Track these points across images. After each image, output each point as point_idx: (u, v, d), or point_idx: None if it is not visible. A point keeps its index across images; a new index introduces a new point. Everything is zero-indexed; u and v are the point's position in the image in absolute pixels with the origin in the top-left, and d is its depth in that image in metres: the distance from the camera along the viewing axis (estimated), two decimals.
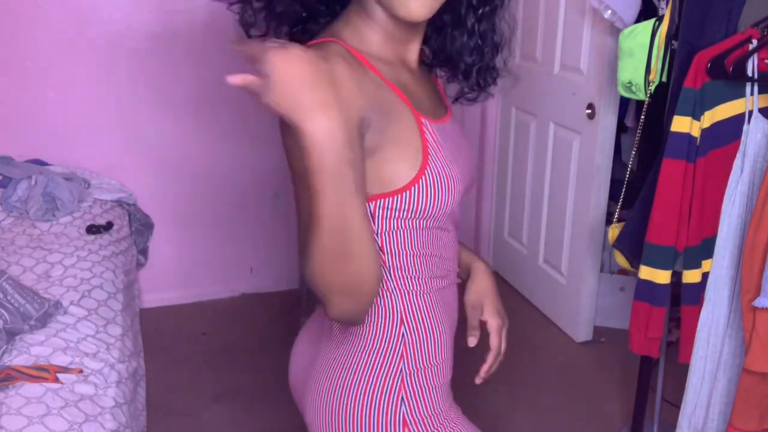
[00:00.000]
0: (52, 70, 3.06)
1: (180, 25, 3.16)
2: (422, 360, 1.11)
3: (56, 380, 1.81)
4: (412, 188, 1.02)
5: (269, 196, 3.49)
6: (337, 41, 1.01)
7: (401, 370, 1.10)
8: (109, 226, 2.76)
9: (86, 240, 2.62)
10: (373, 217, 1.03)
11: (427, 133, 1.04)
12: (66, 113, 3.12)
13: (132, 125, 3.22)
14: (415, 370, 1.11)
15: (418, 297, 1.11)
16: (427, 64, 1.20)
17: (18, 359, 1.89)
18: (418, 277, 1.11)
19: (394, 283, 1.09)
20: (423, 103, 1.08)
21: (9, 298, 2.00)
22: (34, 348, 1.93)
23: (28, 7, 2.97)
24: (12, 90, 3.05)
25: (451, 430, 1.14)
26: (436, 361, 1.13)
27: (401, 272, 1.09)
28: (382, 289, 1.08)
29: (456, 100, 1.22)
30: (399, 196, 1.02)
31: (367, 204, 0.96)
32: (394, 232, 1.06)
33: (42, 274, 2.37)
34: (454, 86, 1.22)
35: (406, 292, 1.10)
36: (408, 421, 1.10)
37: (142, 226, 3.17)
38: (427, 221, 1.07)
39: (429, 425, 1.11)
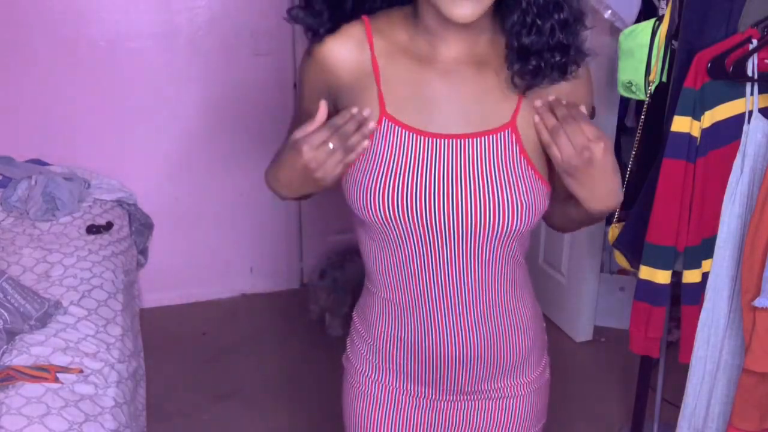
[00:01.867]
0: (52, 70, 3.06)
1: (180, 25, 3.16)
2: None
3: (56, 380, 1.81)
4: (344, 179, 1.09)
5: (269, 196, 3.47)
6: (365, 19, 1.08)
7: None
8: (109, 226, 2.76)
9: (86, 240, 2.62)
10: None
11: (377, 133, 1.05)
12: (66, 113, 3.12)
13: (132, 125, 3.21)
14: None
15: None
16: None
17: (18, 359, 1.89)
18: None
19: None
20: (414, 107, 1.05)
21: (9, 298, 2.00)
22: (34, 348, 1.93)
23: (29, 7, 2.97)
24: (12, 90, 3.04)
25: None
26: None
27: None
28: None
29: (527, 89, 1.07)
30: (345, 182, 1.10)
31: None
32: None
33: (42, 274, 2.37)
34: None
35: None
36: None
37: (142, 226, 3.17)
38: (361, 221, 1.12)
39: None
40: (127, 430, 1.85)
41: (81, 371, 1.89)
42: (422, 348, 1.18)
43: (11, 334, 1.97)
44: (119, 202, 3.05)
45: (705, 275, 1.92)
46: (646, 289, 1.99)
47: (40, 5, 2.98)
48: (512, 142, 1.06)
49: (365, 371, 1.27)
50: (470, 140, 1.05)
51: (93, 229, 2.70)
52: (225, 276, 3.53)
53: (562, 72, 1.06)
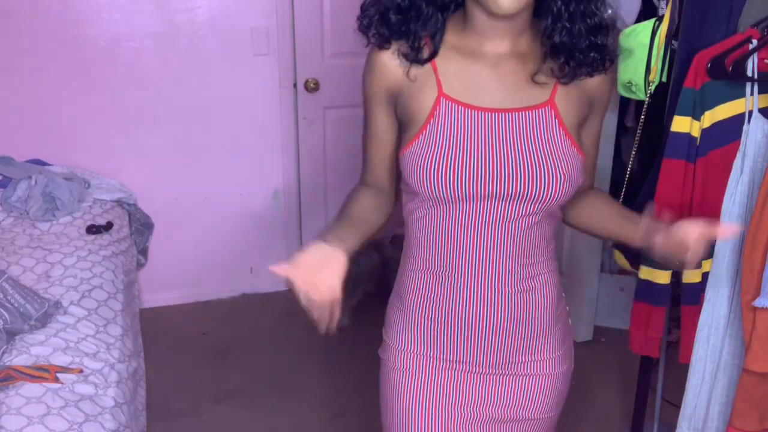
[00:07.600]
0: (51, 70, 3.06)
1: (180, 25, 3.16)
2: None
3: (56, 380, 1.81)
4: (402, 156, 1.22)
5: (269, 196, 3.49)
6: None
7: None
8: (109, 226, 2.76)
9: (86, 240, 2.62)
10: None
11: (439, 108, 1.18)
12: (66, 113, 3.12)
13: (132, 125, 3.22)
14: None
15: None
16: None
17: (18, 359, 1.89)
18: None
19: None
20: (466, 90, 1.19)
21: (9, 298, 2.00)
22: (34, 348, 1.94)
23: (28, 7, 2.97)
24: (12, 90, 3.05)
25: None
26: None
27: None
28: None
29: (569, 81, 1.23)
30: (404, 158, 1.22)
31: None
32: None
33: (42, 274, 2.37)
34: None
35: None
36: None
37: (142, 226, 3.17)
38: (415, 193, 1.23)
39: None
40: (127, 430, 1.85)
41: (81, 371, 1.89)
42: (459, 315, 1.28)
43: (11, 334, 1.97)
44: (119, 202, 3.05)
45: (705, 275, 1.92)
46: (646, 289, 1.99)
47: (40, 5, 2.98)
48: (552, 116, 1.21)
49: (401, 346, 1.35)
50: (516, 113, 1.20)
51: (93, 229, 2.70)
52: (225, 276, 3.54)
53: (591, 69, 1.21)
